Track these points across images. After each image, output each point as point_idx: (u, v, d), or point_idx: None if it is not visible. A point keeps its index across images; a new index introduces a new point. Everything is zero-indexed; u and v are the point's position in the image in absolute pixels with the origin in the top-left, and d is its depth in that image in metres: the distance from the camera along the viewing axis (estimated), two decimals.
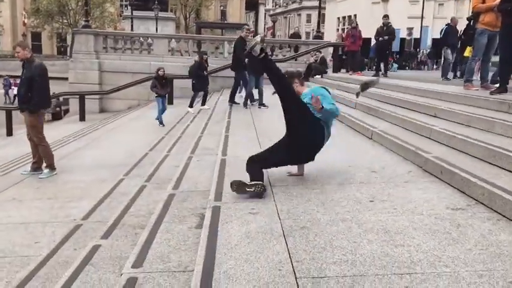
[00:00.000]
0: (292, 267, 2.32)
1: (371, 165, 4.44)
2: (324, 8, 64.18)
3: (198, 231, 3.19)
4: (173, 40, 18.89)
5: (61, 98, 19.35)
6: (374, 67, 20.13)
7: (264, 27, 64.85)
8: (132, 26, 25.96)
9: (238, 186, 3.51)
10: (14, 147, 11.25)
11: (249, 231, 2.82)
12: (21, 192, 5.67)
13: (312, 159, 4.02)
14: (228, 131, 6.85)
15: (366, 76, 13.51)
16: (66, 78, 41.79)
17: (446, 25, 11.03)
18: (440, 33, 10.85)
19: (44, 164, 6.58)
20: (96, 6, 48.58)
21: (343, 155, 5.00)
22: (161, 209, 3.65)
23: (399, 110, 6.64)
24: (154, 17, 31.49)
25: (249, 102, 9.76)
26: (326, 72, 14.95)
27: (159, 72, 11.36)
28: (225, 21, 47.70)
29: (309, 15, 74.61)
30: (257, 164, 3.80)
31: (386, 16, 12.97)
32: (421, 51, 32.91)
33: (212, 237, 2.76)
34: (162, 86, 11.29)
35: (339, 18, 55.34)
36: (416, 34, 35.84)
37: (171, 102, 15.97)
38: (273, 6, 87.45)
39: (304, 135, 3.86)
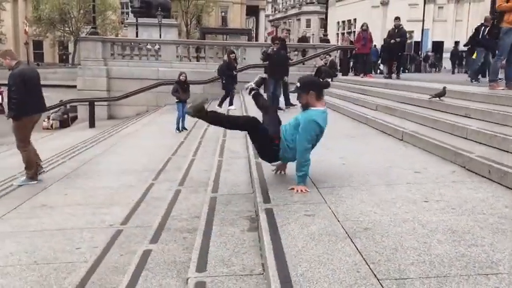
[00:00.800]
0: (370, 268, 2.26)
1: (411, 165, 4.39)
2: (324, 13, 64.64)
3: (252, 234, 3.14)
4: (181, 46, 18.88)
5: (68, 106, 19.33)
6: (378, 70, 20.19)
7: (264, 32, 64.94)
8: (137, 33, 25.98)
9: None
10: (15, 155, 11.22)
11: (312, 233, 2.77)
12: (50, 199, 5.62)
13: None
14: None
15: (376, 78, 13.51)
16: (69, 86, 41.94)
17: (482, 25, 10.06)
18: (478, 35, 9.98)
19: (26, 171, 6.54)
20: (98, 14, 48.75)
21: (379, 156, 4.96)
22: (207, 213, 3.59)
23: (425, 111, 6.60)
24: (157, 23, 31.52)
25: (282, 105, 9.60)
26: (336, 76, 14.93)
27: (181, 77, 11.33)
28: (227, 27, 47.76)
29: (308, 20, 74.89)
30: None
31: (397, 18, 12.96)
32: (424, 54, 32.96)
33: (275, 239, 2.70)
34: (184, 91, 11.27)
35: (338, 22, 55.36)
36: (416, 37, 35.88)
37: None
38: (272, 11, 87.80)
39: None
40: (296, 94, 3.94)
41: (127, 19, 48.58)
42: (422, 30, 34.76)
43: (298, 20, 76.70)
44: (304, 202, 3.39)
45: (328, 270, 2.27)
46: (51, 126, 18.63)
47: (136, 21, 26.65)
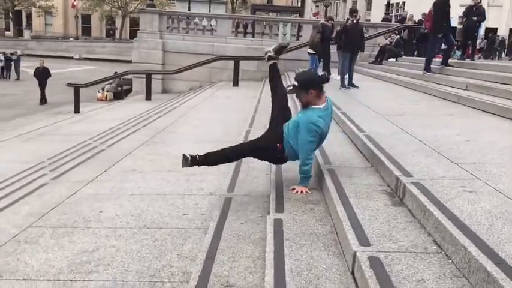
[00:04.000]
0: None
1: None
2: None
3: (399, 208, 2.84)
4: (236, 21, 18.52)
5: (121, 78, 19.40)
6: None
7: (309, 13, 63.53)
8: (189, 7, 25.78)
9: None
10: (91, 122, 11.30)
11: (489, 211, 2.41)
12: (137, 164, 5.47)
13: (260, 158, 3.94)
14: (338, 109, 6.40)
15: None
16: (116, 60, 42.39)
17: None
18: None
19: None
20: None
21: (498, 134, 4.54)
22: (333, 184, 3.29)
23: None
24: (203, 0, 31.26)
25: (346, 83, 9.05)
26: (401, 56, 14.23)
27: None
28: (277, 5, 46.92)
29: (354, 2, 72.70)
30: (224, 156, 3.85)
31: None
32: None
33: (449, 215, 2.36)
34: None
35: (387, 5, 53.60)
36: None
37: (236, 84, 15.72)
38: None
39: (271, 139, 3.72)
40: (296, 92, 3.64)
41: None
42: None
43: (344, 1, 74.62)
44: (453, 177, 3.02)
45: None
46: (105, 97, 18.79)
47: None
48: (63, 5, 55.03)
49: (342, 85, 9.07)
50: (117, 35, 53.68)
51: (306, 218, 3.03)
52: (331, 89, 9.03)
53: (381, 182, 3.37)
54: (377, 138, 4.29)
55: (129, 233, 3.43)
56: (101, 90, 18.94)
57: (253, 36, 18.08)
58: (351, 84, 9.13)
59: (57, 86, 22.45)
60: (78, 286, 2.69)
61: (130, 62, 41.62)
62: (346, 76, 9.10)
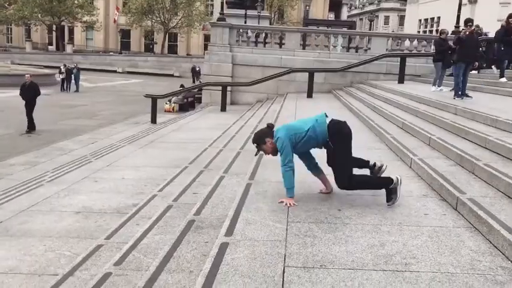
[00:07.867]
0: None
1: None
2: (404, 10, 62.31)
3: None
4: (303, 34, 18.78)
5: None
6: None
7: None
8: (245, 21, 26.24)
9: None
10: (188, 130, 11.60)
11: None
12: None
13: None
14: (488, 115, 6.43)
15: None
16: (158, 74, 43.33)
17: None
18: None
19: None
20: (186, 5, 50.15)
21: None
22: None
23: None
24: (251, 15, 31.82)
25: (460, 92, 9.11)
26: (483, 67, 14.15)
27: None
28: (325, 19, 47.26)
29: (386, 17, 72.87)
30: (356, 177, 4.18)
31: None
32: None
33: None
34: None
35: (420, 20, 53.26)
36: None
37: (310, 96, 15.86)
38: (347, 8, 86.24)
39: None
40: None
41: (211, 11, 49.44)
42: None
43: (376, 16, 74.86)
44: None
45: None
46: (173, 109, 19.19)
47: (245, 12, 27.12)
48: (104, 20, 56.66)
49: (456, 94, 9.11)
50: (156, 50, 54.89)
51: None
52: (446, 99, 9.05)
53: None
54: None
55: (394, 230, 3.51)
56: (168, 102, 19.37)
57: (321, 49, 18.30)
58: (464, 94, 9.15)
59: (119, 98, 23.10)
60: (407, 276, 2.77)
61: (172, 76, 42.75)
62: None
